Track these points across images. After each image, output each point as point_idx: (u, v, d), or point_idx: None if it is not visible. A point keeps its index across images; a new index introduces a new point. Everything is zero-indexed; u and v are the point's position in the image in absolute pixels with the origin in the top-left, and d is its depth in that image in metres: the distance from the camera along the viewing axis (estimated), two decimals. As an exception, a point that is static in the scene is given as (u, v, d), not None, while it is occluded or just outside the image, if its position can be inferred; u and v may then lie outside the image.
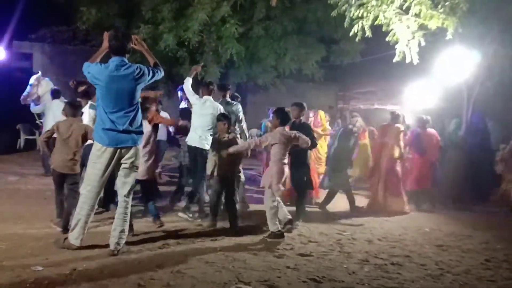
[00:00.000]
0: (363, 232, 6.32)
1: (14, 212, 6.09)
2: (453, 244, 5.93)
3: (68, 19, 13.47)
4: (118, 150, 4.45)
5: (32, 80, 9.59)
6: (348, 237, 5.98)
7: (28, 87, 9.51)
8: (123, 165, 4.53)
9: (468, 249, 5.69)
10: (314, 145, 6.48)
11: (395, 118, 8.12)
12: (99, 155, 4.45)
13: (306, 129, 6.49)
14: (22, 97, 9.48)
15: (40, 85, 9.52)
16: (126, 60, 4.50)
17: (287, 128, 6.08)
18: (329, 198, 7.76)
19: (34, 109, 9.57)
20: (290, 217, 5.86)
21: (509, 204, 8.61)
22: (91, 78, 4.45)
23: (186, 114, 6.98)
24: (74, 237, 4.50)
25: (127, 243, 4.66)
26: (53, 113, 8.57)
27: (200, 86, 7.08)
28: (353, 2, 6.97)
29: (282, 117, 5.91)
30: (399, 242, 5.90)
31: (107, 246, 4.53)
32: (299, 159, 6.38)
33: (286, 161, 5.77)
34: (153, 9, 10.46)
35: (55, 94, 9.15)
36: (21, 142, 12.77)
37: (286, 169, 5.79)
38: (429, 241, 6.01)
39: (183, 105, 8.07)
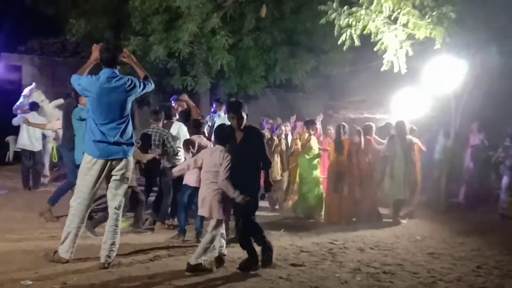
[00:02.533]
0: (354, 241, 6.33)
1: (3, 225, 6.01)
2: (445, 251, 5.96)
3: (57, 30, 13.42)
4: (109, 162, 4.43)
5: (25, 91, 9.59)
6: (340, 246, 5.99)
7: (21, 97, 9.49)
8: (113, 177, 4.51)
9: (460, 257, 5.72)
10: (268, 165, 4.97)
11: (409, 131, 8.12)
12: (89, 167, 4.42)
13: (256, 137, 4.89)
14: (14, 106, 9.47)
15: (31, 97, 9.49)
16: (117, 71, 4.49)
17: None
18: (397, 209, 7.81)
19: (13, 121, 9.53)
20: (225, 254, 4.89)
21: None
22: (82, 90, 4.44)
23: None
24: (64, 250, 4.45)
25: (118, 255, 4.62)
26: (26, 125, 8.56)
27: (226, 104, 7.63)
28: (342, 10, 7.05)
29: (218, 136, 4.82)
30: (391, 250, 5.92)
31: (97, 259, 4.49)
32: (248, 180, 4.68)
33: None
34: (143, 21, 10.46)
35: (33, 107, 9.10)
36: (10, 155, 12.61)
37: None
38: (421, 249, 6.03)
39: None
